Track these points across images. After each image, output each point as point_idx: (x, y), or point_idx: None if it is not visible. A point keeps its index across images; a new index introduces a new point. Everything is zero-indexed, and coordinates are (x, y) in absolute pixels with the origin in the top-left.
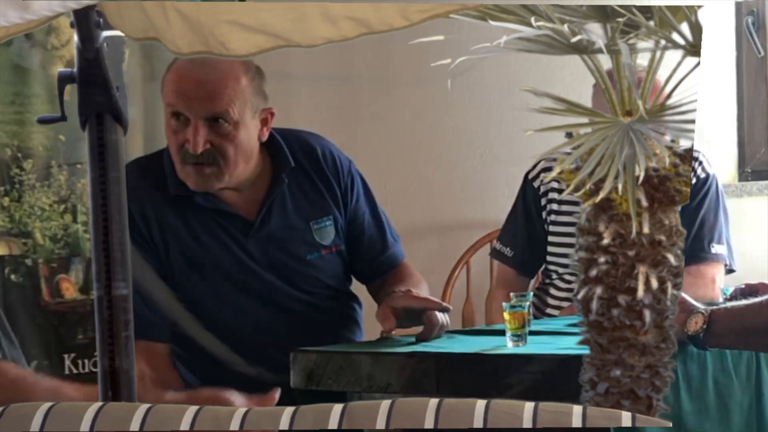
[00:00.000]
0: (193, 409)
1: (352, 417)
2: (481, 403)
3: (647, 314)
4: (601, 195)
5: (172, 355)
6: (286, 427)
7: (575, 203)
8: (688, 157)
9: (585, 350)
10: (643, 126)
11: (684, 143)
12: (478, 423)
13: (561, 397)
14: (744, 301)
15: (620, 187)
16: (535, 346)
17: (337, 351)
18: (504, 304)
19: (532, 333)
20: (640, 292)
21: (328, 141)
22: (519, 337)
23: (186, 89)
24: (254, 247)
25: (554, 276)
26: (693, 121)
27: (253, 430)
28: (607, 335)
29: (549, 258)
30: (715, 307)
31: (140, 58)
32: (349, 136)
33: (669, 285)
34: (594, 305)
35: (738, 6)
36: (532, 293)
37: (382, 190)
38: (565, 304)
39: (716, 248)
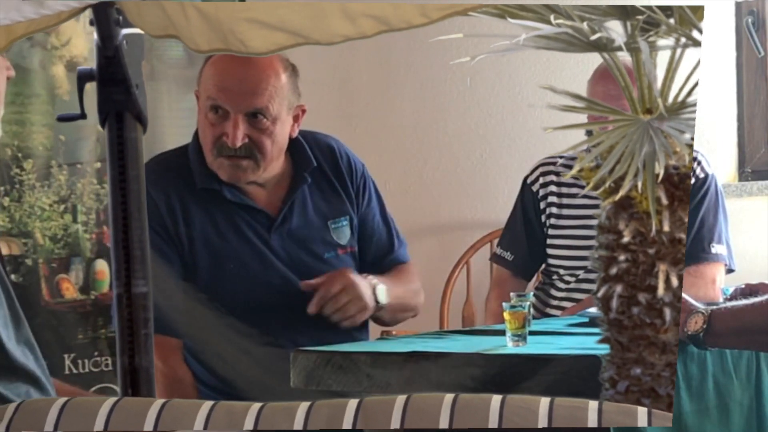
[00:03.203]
0: (209, 404)
1: (368, 412)
2: (496, 399)
3: (668, 312)
4: (621, 193)
5: (185, 350)
6: (302, 422)
7: (576, 206)
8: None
9: (586, 351)
10: (662, 123)
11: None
12: (493, 418)
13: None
14: (744, 301)
15: (640, 185)
16: (535, 346)
17: (337, 351)
18: (504, 304)
19: (532, 333)
20: (661, 290)
21: (343, 143)
22: (519, 337)
23: (228, 84)
24: (276, 243)
25: (554, 276)
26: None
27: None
28: (628, 333)
29: (549, 260)
30: (715, 307)
31: None
32: (349, 136)
33: None
34: (614, 303)
35: (738, 6)
36: (532, 293)
37: (382, 190)
38: (564, 303)
39: (716, 248)
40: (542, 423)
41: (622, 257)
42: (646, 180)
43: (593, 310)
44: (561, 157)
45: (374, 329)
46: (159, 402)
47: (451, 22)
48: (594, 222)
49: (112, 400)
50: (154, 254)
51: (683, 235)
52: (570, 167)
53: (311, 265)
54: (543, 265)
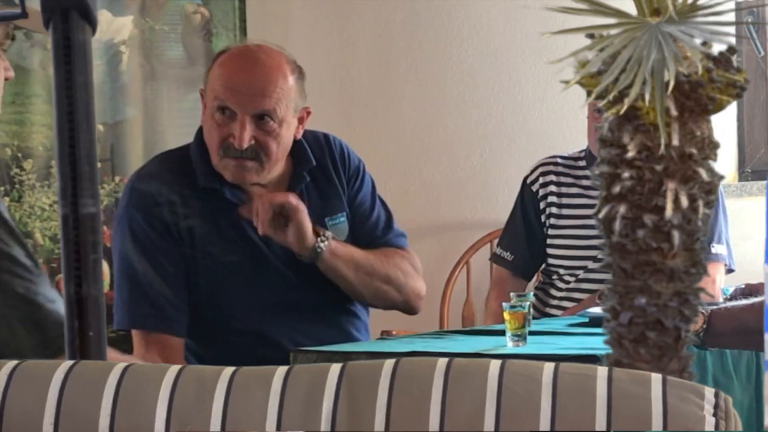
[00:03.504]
0: (175, 368)
1: (352, 379)
2: (495, 364)
3: (676, 236)
4: (626, 103)
5: (186, 350)
6: (279, 389)
7: (575, 206)
8: (724, 60)
9: (586, 351)
10: (672, 27)
11: (717, 46)
12: (492, 385)
13: None
14: (744, 301)
15: (647, 94)
16: (535, 346)
17: (337, 351)
18: (504, 304)
19: (532, 333)
20: (669, 211)
21: (342, 140)
22: (519, 337)
23: (237, 85)
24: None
25: (554, 276)
26: (729, 23)
27: None
28: (632, 259)
29: (549, 260)
30: (714, 307)
31: (140, 58)
32: (350, 136)
33: (700, 203)
34: (617, 225)
35: (738, 6)
36: (531, 293)
37: (382, 190)
38: (564, 303)
39: (716, 248)
40: (546, 392)
41: (626, 174)
42: (654, 89)
43: (593, 310)
44: (561, 157)
45: (374, 329)
46: (120, 366)
47: (451, 18)
48: (594, 222)
49: (67, 365)
50: (157, 252)
51: (694, 150)
52: (570, 167)
53: (309, 263)
54: (543, 265)
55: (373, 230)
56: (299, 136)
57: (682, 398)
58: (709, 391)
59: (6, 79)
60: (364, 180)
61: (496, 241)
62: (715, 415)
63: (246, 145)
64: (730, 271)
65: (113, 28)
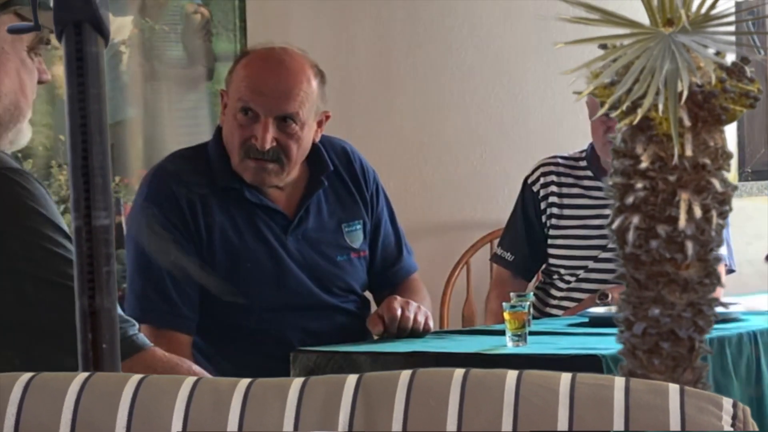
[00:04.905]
0: (191, 380)
1: (369, 389)
2: (512, 375)
3: (690, 246)
4: (640, 114)
5: (194, 348)
6: (295, 401)
7: (576, 206)
8: (737, 70)
9: (586, 351)
10: (685, 38)
11: (730, 56)
12: (509, 396)
13: None
14: None
15: (660, 105)
16: (535, 346)
17: (337, 351)
18: (504, 304)
19: (532, 333)
20: (682, 221)
21: (359, 152)
22: (519, 337)
23: (261, 87)
24: (291, 245)
25: (555, 276)
26: (738, 33)
27: None
28: (645, 270)
29: (550, 260)
30: None
31: (140, 58)
32: (350, 136)
33: (714, 213)
34: (630, 236)
35: (738, 6)
36: (532, 293)
37: None
38: (564, 303)
39: None
40: (563, 402)
41: (639, 185)
42: (668, 100)
43: (594, 309)
44: (562, 158)
45: None
46: (136, 378)
47: (451, 18)
48: (595, 222)
49: (82, 377)
50: (173, 248)
51: (707, 161)
52: (571, 167)
53: (324, 267)
54: (543, 265)
55: (391, 252)
56: (317, 140)
57: (700, 408)
58: (727, 402)
59: (42, 82)
60: (382, 194)
61: (496, 241)
62: (733, 425)
63: (268, 146)
64: (730, 271)
65: (113, 28)
